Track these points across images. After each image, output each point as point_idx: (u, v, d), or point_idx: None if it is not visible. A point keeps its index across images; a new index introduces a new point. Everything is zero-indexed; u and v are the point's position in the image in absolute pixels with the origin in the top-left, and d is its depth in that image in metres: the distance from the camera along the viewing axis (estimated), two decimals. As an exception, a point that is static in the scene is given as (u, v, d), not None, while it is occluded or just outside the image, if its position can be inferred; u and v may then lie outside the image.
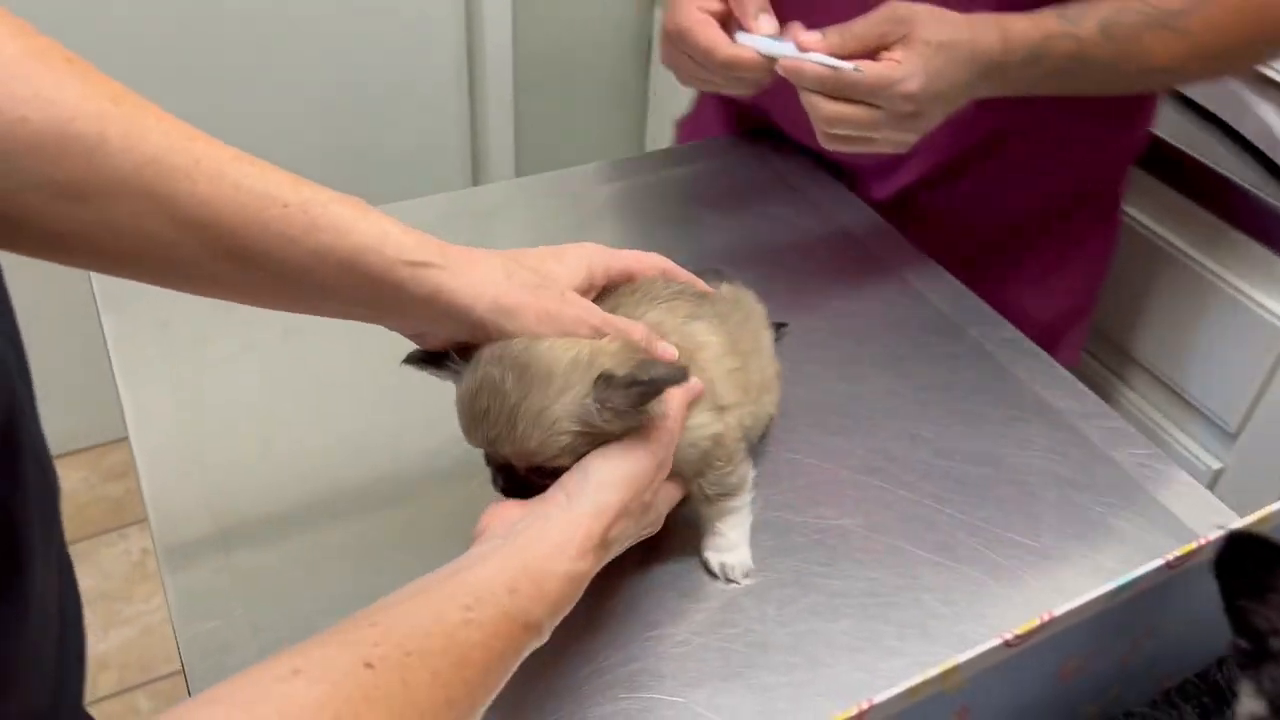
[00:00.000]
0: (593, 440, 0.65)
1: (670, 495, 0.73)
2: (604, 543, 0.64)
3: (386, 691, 0.48)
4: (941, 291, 1.07)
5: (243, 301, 0.68)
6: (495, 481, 0.69)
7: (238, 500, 0.83)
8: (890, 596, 0.78)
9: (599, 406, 0.63)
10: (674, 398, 0.68)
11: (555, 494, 0.65)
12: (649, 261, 0.78)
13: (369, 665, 0.49)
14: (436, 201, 1.17)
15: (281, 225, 0.62)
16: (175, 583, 0.76)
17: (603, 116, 2.41)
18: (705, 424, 0.72)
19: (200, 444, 0.86)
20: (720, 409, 0.73)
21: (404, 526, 0.82)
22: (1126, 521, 0.84)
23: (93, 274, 0.99)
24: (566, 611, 0.61)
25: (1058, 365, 0.99)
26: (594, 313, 0.70)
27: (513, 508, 0.66)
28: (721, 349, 0.76)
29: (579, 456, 0.65)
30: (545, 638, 0.60)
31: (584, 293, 0.72)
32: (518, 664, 0.59)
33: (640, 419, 0.65)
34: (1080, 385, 0.97)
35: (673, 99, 2.34)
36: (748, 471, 0.77)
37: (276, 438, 0.88)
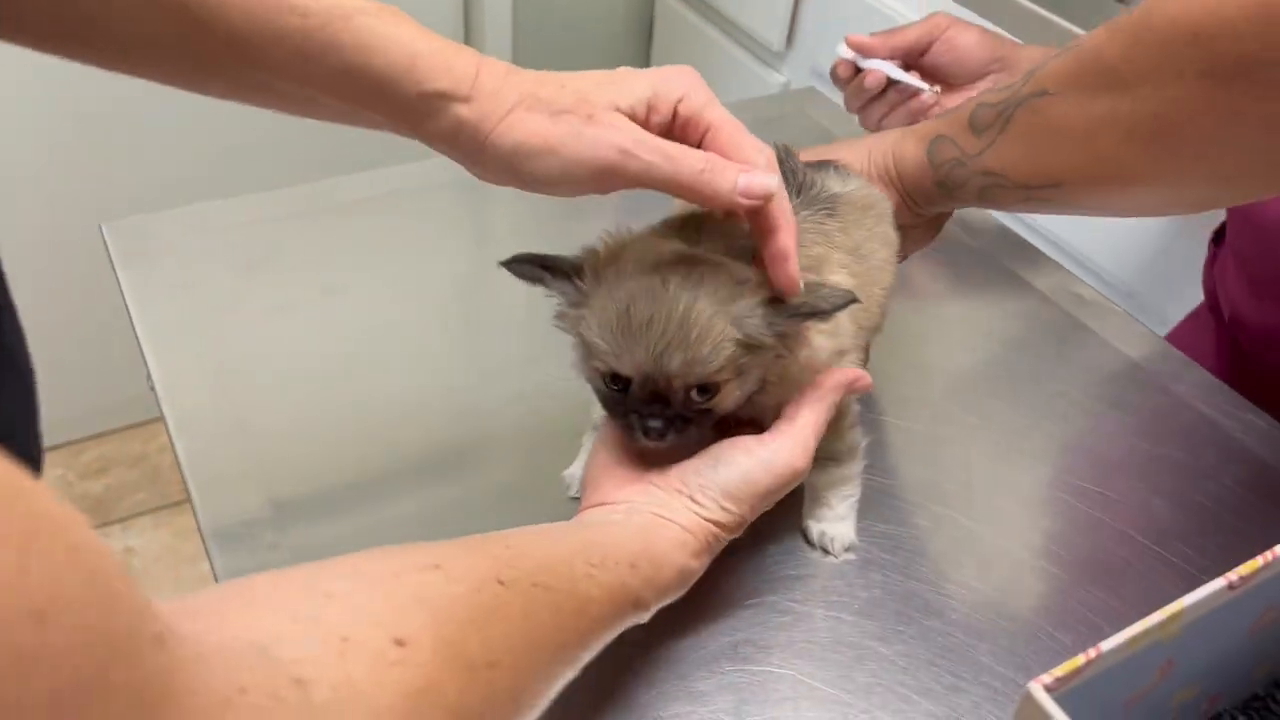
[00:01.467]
0: (750, 361, 0.60)
1: None
2: (718, 546, 0.62)
3: (509, 614, 0.47)
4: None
5: (258, 105, 0.62)
6: (640, 427, 0.60)
7: (285, 472, 0.75)
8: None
9: (769, 317, 0.59)
10: (832, 379, 0.65)
11: (678, 486, 0.62)
12: (741, 134, 0.60)
13: (502, 582, 0.47)
14: (429, 168, 1.10)
15: (298, 39, 0.56)
16: (225, 564, 0.68)
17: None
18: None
19: (240, 412, 0.79)
20: (840, 353, 0.67)
21: (464, 498, 0.75)
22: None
23: (106, 233, 0.92)
24: (671, 600, 0.60)
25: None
26: (625, 133, 0.57)
27: (624, 477, 0.63)
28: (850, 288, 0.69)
29: (738, 375, 0.60)
30: (646, 620, 0.58)
31: (641, 120, 0.59)
32: (618, 631, 0.56)
33: (789, 349, 0.62)
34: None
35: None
36: (858, 438, 0.71)
37: (322, 403, 0.81)
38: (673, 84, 0.60)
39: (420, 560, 0.46)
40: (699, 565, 0.61)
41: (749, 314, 0.59)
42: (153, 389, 0.81)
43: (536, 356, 0.86)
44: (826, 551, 0.72)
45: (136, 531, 2.08)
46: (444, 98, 0.58)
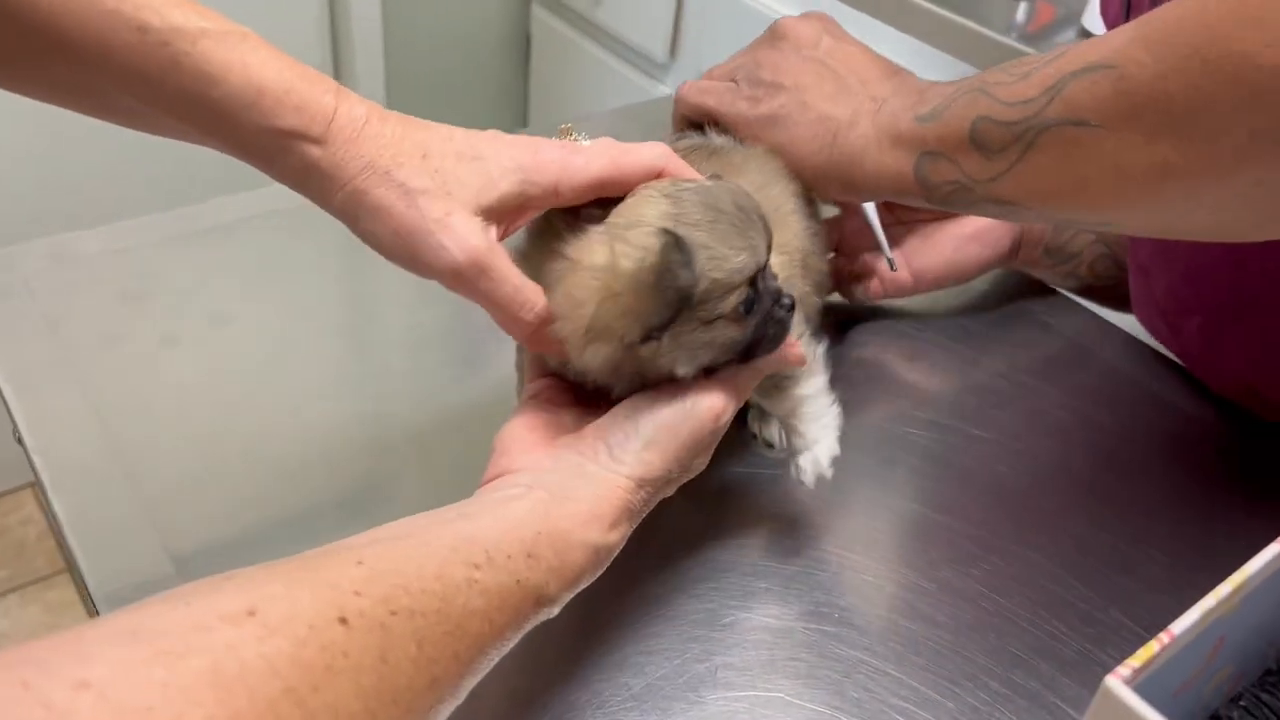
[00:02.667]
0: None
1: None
2: (641, 511, 0.55)
3: (358, 662, 0.38)
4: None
5: (96, 116, 0.56)
6: (787, 310, 0.56)
7: (184, 522, 0.66)
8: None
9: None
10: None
11: (595, 444, 0.55)
12: (640, 162, 0.58)
13: (343, 621, 0.38)
14: (283, 193, 1.02)
15: (136, 57, 0.50)
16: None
17: (482, 117, 2.27)
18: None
19: (126, 460, 0.69)
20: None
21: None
22: None
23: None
24: (583, 587, 0.53)
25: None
26: (470, 254, 0.54)
27: (537, 440, 0.56)
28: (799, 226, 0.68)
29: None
30: (554, 614, 0.52)
31: (499, 215, 0.56)
32: (517, 639, 0.49)
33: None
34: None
35: (553, 98, 2.24)
36: (813, 348, 0.65)
37: (219, 443, 0.73)
38: (545, 172, 0.56)
39: (228, 604, 0.37)
40: (617, 538, 0.54)
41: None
42: (20, 441, 0.70)
43: (446, 372, 0.80)
44: (800, 481, 0.65)
45: (1, 612, 1.90)
46: (291, 136, 0.53)
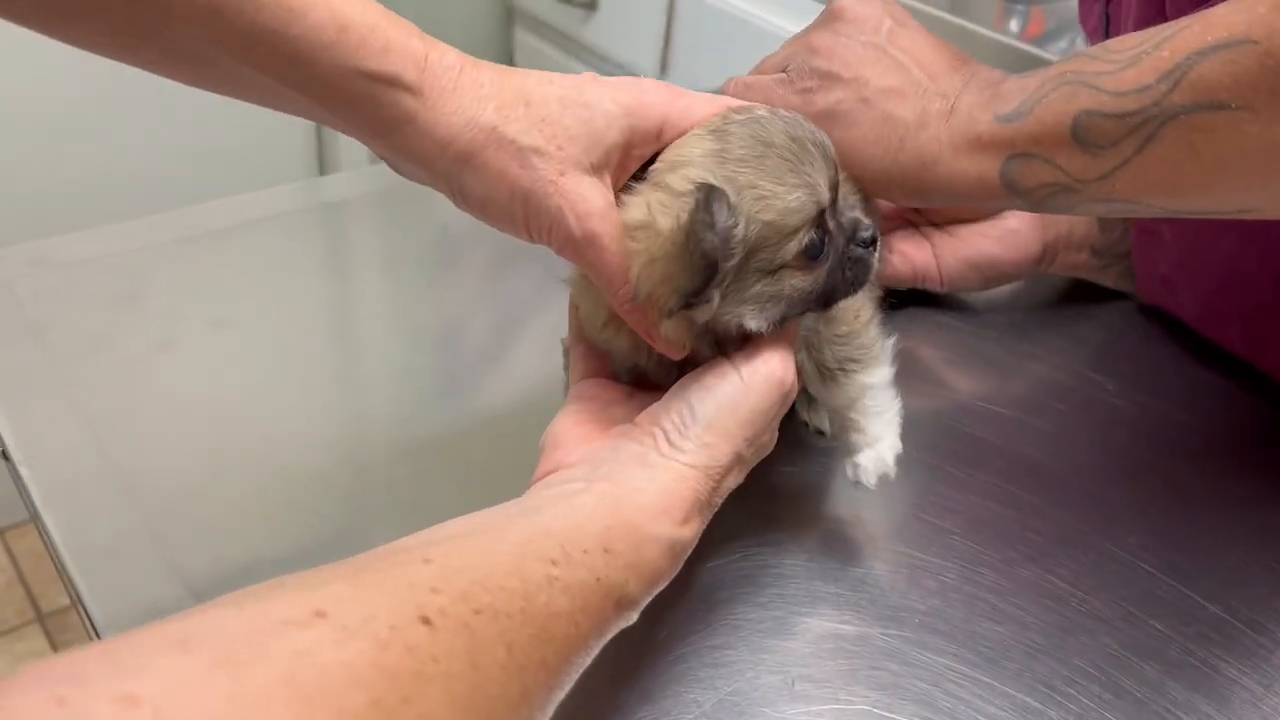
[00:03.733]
0: None
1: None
2: (711, 502, 0.50)
3: (449, 668, 0.33)
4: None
5: (160, 72, 0.50)
6: (867, 245, 0.53)
7: (189, 537, 0.60)
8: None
9: None
10: None
11: (652, 431, 0.49)
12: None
13: (426, 621, 0.33)
14: (279, 195, 0.98)
15: None
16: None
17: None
18: None
19: (123, 473, 0.63)
20: None
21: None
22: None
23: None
24: (661, 588, 0.48)
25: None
26: (588, 218, 0.51)
27: (589, 433, 0.51)
28: None
29: None
30: (634, 619, 0.46)
31: (609, 166, 0.53)
32: (600, 647, 0.43)
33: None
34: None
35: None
36: (877, 335, 0.59)
37: (224, 451, 0.67)
38: (651, 115, 0.53)
39: (289, 608, 0.32)
40: (691, 534, 0.48)
41: None
42: (6, 458, 0.64)
43: (456, 374, 0.76)
44: (858, 481, 0.59)
45: (-32, 665, 1.80)
46: (381, 81, 0.48)
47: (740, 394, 0.50)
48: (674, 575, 0.48)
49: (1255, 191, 0.50)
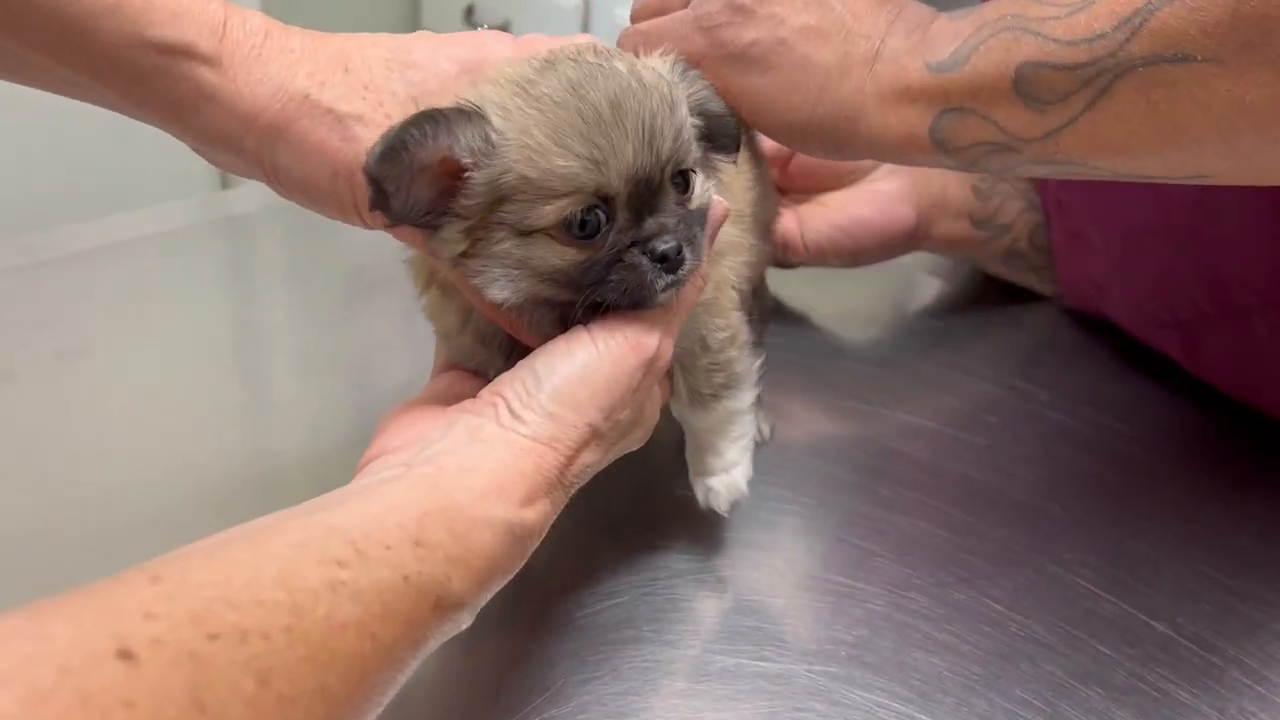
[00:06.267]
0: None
1: (659, 395, 0.51)
2: (563, 481, 0.43)
3: (153, 712, 0.26)
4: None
5: None
6: (655, 258, 0.44)
7: (31, 585, 0.52)
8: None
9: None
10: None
11: (491, 400, 0.43)
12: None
13: (125, 655, 0.27)
14: (180, 210, 0.92)
15: None
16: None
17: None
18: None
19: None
20: (718, 251, 0.52)
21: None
22: None
23: None
24: (501, 584, 0.41)
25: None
26: None
27: (425, 413, 0.45)
28: (750, 175, 0.58)
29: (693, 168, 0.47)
30: (466, 623, 0.39)
31: None
32: (419, 660, 0.37)
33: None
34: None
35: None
36: (746, 363, 0.55)
37: (73, 492, 0.60)
38: (484, 66, 0.47)
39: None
40: (536, 516, 0.42)
41: (701, 85, 0.50)
42: None
43: (340, 397, 0.70)
44: (711, 508, 0.56)
45: None
46: (171, 52, 0.42)
47: (593, 360, 0.44)
48: (518, 566, 0.42)
49: (1216, 154, 0.46)
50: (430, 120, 0.42)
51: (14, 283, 0.76)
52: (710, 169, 0.51)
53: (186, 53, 0.42)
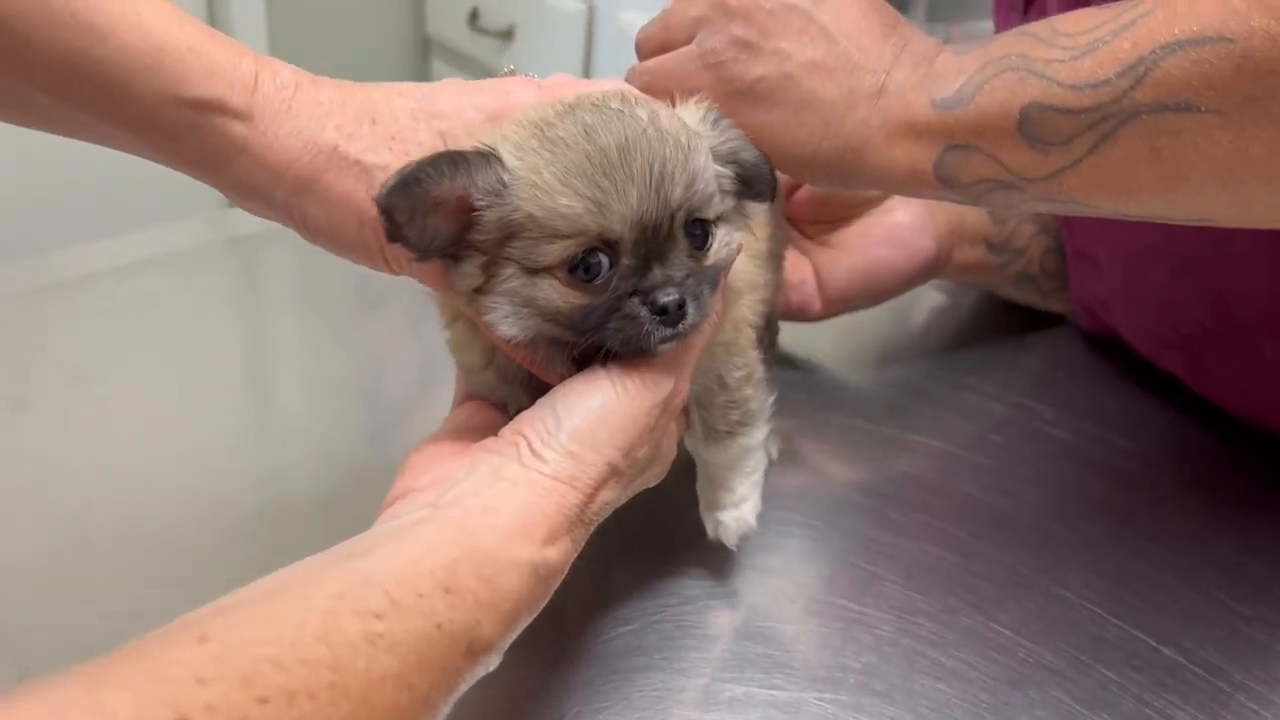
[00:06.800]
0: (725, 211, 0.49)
1: (676, 431, 0.52)
2: (583, 519, 0.44)
3: None
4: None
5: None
6: (655, 310, 0.44)
7: (40, 625, 0.53)
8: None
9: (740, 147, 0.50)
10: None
11: (513, 439, 0.44)
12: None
13: None
14: (189, 229, 0.93)
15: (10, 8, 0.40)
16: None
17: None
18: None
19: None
20: (735, 290, 0.53)
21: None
22: None
23: None
24: (526, 623, 0.42)
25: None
26: None
27: (449, 449, 0.46)
28: (764, 210, 0.58)
29: (715, 220, 0.47)
30: (494, 665, 0.40)
31: None
32: (450, 705, 0.37)
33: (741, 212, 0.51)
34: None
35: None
36: (762, 399, 0.56)
37: (82, 525, 0.60)
38: (510, 114, 0.48)
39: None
40: (558, 555, 0.42)
41: (734, 134, 0.49)
42: None
43: (357, 423, 0.70)
44: (721, 541, 0.57)
45: None
46: (205, 109, 0.43)
47: (611, 400, 0.45)
48: (543, 604, 0.42)
49: (1220, 201, 0.46)
50: (448, 161, 0.43)
51: (22, 306, 0.76)
52: (741, 217, 0.51)
53: (219, 108, 0.43)
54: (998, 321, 0.84)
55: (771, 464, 0.66)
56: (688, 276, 0.45)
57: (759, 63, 0.53)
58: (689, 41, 0.56)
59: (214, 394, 0.72)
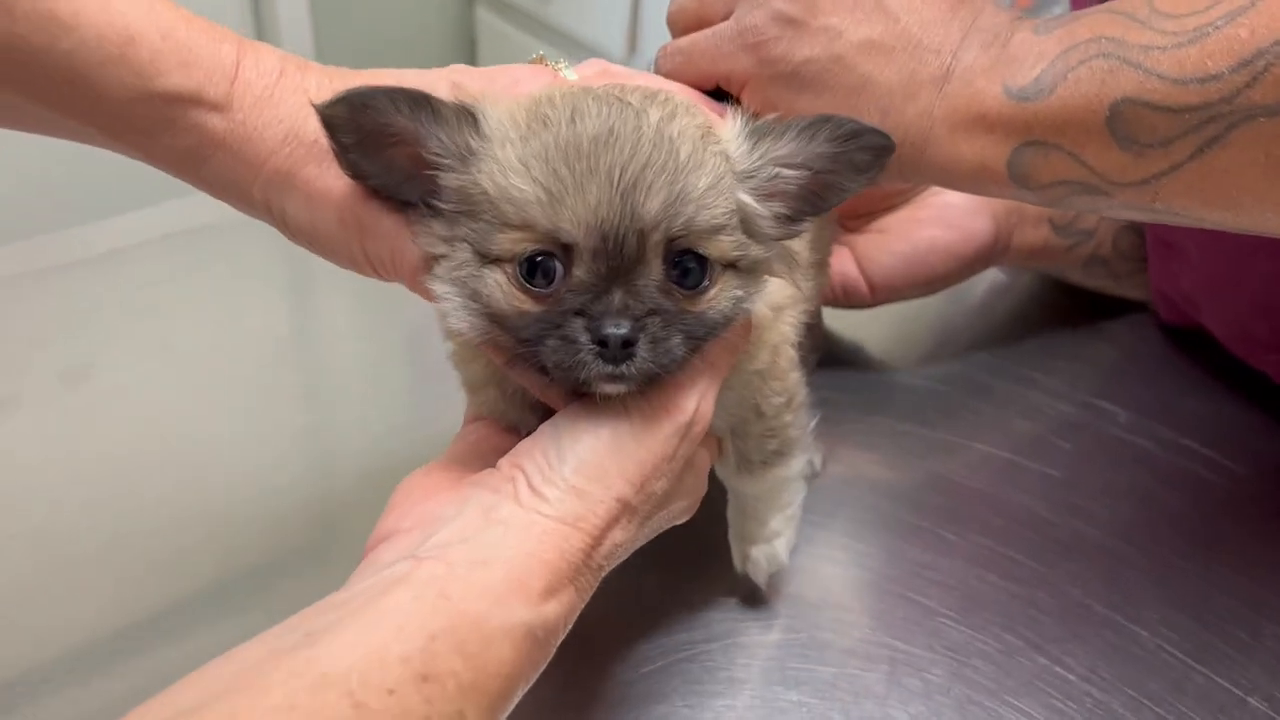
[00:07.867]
0: (748, 256, 0.41)
1: (705, 461, 0.46)
2: (589, 565, 0.38)
3: None
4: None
5: None
6: (594, 337, 0.37)
7: (28, 631, 0.51)
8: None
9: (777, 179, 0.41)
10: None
11: (510, 474, 0.39)
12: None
13: None
14: (184, 210, 0.86)
15: None
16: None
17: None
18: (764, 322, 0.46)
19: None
20: (777, 307, 0.47)
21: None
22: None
23: None
24: (523, 693, 0.36)
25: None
26: None
27: (442, 482, 0.41)
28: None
29: (734, 268, 0.41)
30: None
31: None
32: None
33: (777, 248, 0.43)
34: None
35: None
36: (802, 424, 0.51)
37: (71, 527, 0.57)
38: None
39: None
40: (558, 611, 0.37)
41: (764, 157, 0.41)
42: None
43: (384, 420, 0.66)
44: (751, 578, 0.53)
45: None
46: (179, 102, 0.39)
47: (622, 425, 0.40)
48: (542, 668, 0.37)
49: None
50: (410, 98, 0.38)
51: (14, 294, 0.73)
52: (783, 265, 0.43)
53: (195, 101, 0.39)
54: (1068, 310, 0.76)
55: (815, 475, 0.60)
56: (652, 313, 0.38)
57: (806, 42, 0.47)
58: (726, 16, 0.49)
59: (219, 388, 0.68)
